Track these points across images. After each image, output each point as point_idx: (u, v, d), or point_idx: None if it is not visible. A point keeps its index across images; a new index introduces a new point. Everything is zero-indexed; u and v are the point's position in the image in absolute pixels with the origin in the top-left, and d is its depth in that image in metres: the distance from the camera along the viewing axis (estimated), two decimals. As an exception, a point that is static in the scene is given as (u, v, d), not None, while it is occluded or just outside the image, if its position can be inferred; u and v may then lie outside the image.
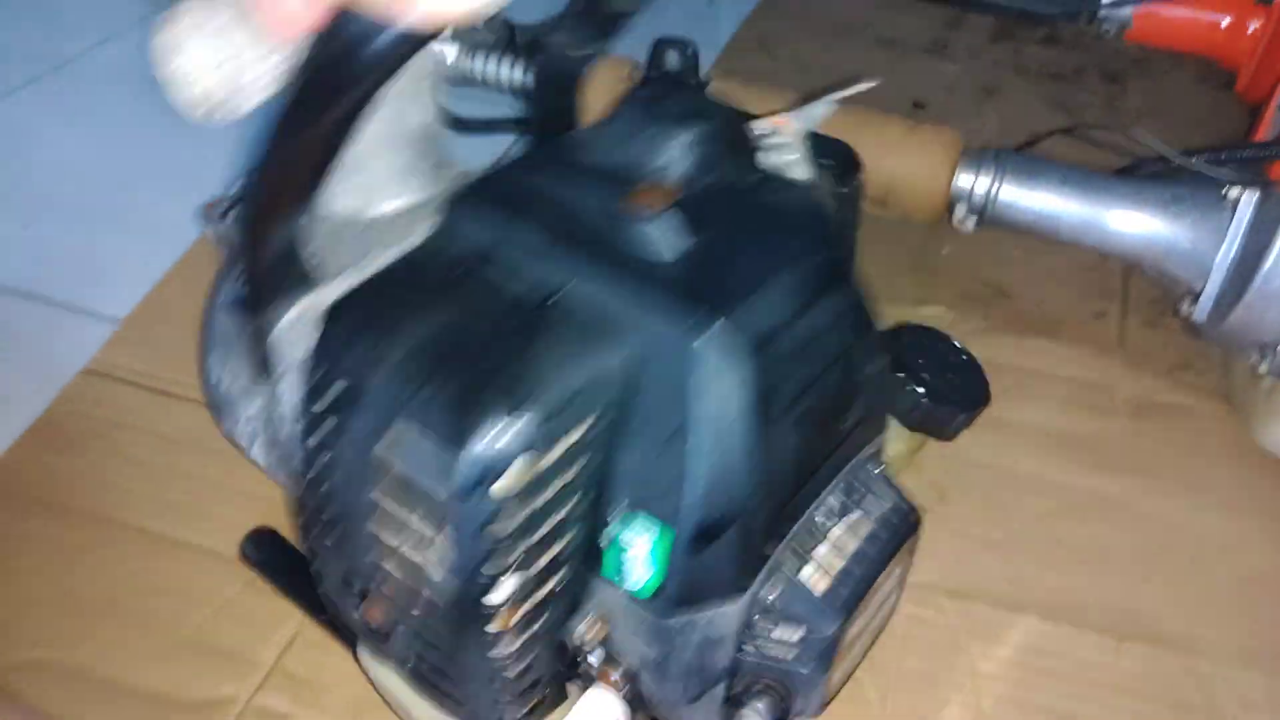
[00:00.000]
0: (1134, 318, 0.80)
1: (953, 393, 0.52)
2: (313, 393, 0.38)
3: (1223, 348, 0.73)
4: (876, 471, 0.47)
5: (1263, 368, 0.63)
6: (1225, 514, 0.65)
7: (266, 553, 0.58)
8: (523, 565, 0.38)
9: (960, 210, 0.71)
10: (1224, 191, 0.63)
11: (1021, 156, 0.70)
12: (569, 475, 0.37)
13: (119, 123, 0.99)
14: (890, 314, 0.75)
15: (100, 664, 0.55)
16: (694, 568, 0.39)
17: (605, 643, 0.42)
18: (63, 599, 0.58)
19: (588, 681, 0.43)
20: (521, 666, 0.40)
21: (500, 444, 0.34)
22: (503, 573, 0.37)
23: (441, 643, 0.40)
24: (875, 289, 0.80)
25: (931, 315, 0.78)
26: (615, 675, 0.42)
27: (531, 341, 0.36)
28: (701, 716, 0.44)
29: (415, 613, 0.39)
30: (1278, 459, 0.67)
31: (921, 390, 0.51)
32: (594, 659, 0.42)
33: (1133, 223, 0.65)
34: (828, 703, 0.46)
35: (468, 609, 0.38)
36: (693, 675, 0.42)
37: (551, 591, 0.40)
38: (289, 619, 0.57)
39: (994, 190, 0.70)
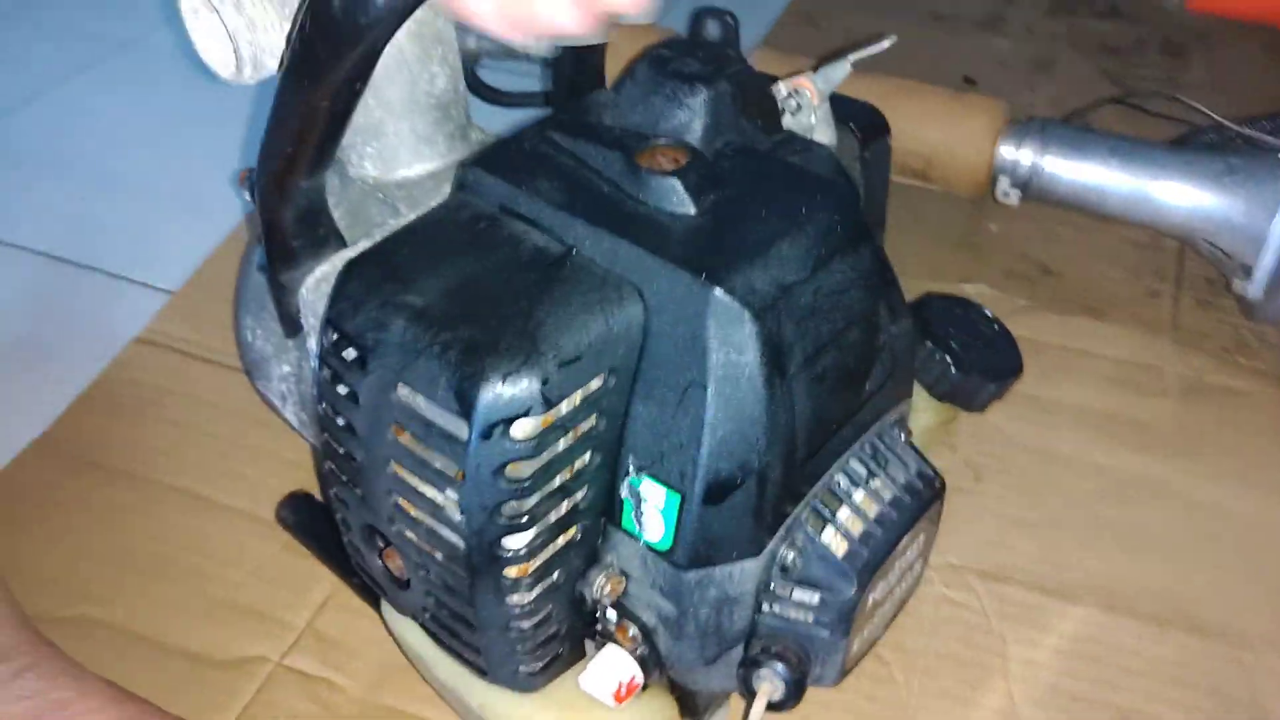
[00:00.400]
0: (1187, 297, 0.77)
1: (982, 363, 0.51)
2: (334, 344, 0.39)
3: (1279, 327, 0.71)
4: (902, 438, 0.46)
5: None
6: (1275, 500, 0.63)
7: (302, 516, 0.59)
8: (540, 511, 0.38)
9: (1004, 182, 0.70)
10: (1280, 162, 0.61)
11: (1068, 127, 0.69)
12: (586, 425, 0.38)
13: (175, 103, 1.01)
14: (931, 289, 0.74)
15: (140, 621, 0.57)
16: (709, 523, 0.39)
17: (623, 599, 0.43)
18: (110, 556, 0.60)
19: (605, 638, 0.43)
20: (538, 618, 0.41)
21: (519, 388, 0.35)
22: (520, 517, 0.37)
23: (460, 588, 0.40)
24: (918, 265, 0.80)
25: (974, 292, 0.77)
26: (631, 632, 0.42)
27: (548, 294, 0.37)
28: (718, 679, 0.44)
29: (436, 557, 0.40)
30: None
31: (949, 359, 0.50)
32: (611, 615, 0.43)
33: (1184, 195, 0.63)
34: (847, 671, 0.45)
35: (486, 554, 0.38)
36: (709, 635, 0.42)
37: (569, 541, 0.40)
38: (322, 582, 0.58)
39: (1039, 162, 0.68)
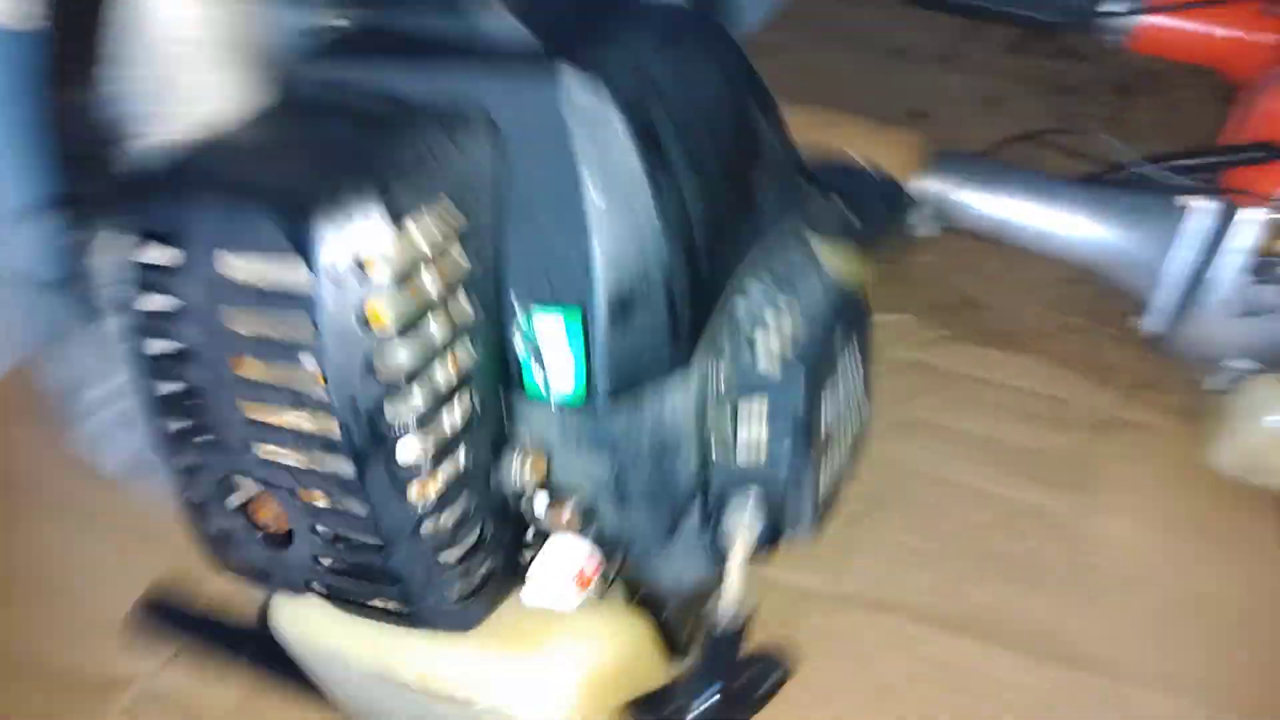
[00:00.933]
0: (1103, 333, 0.77)
1: (869, 204, 0.53)
2: (138, 253, 0.34)
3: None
4: (801, 255, 0.44)
5: (1209, 384, 0.60)
6: (1166, 535, 0.62)
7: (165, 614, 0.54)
8: (421, 368, 0.33)
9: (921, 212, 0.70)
10: (1179, 201, 0.61)
11: (983, 160, 0.69)
12: (453, 263, 0.34)
13: None
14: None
15: (12, 640, 0.57)
16: (621, 346, 0.36)
17: (551, 479, 0.38)
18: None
19: (543, 538, 0.39)
20: (455, 515, 0.36)
21: (357, 210, 0.31)
22: (397, 377, 0.33)
23: (353, 492, 0.35)
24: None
25: (894, 322, 0.77)
26: (567, 513, 0.38)
27: (380, 137, 0.34)
28: (686, 561, 0.40)
29: (316, 470, 0.35)
30: (1229, 481, 0.65)
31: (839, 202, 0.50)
32: (541, 502, 0.38)
33: (1087, 229, 0.64)
34: (822, 513, 0.43)
35: (368, 434, 0.33)
36: (658, 494, 0.38)
37: (468, 416, 0.35)
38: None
39: (954, 192, 0.69)
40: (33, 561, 0.60)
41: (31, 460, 0.64)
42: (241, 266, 0.33)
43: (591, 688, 0.39)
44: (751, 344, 0.39)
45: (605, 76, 0.34)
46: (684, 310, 0.37)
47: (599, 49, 0.35)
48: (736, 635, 0.41)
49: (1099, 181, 0.66)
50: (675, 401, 0.37)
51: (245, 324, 0.33)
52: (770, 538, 0.40)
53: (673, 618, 0.43)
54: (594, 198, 0.35)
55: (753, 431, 0.38)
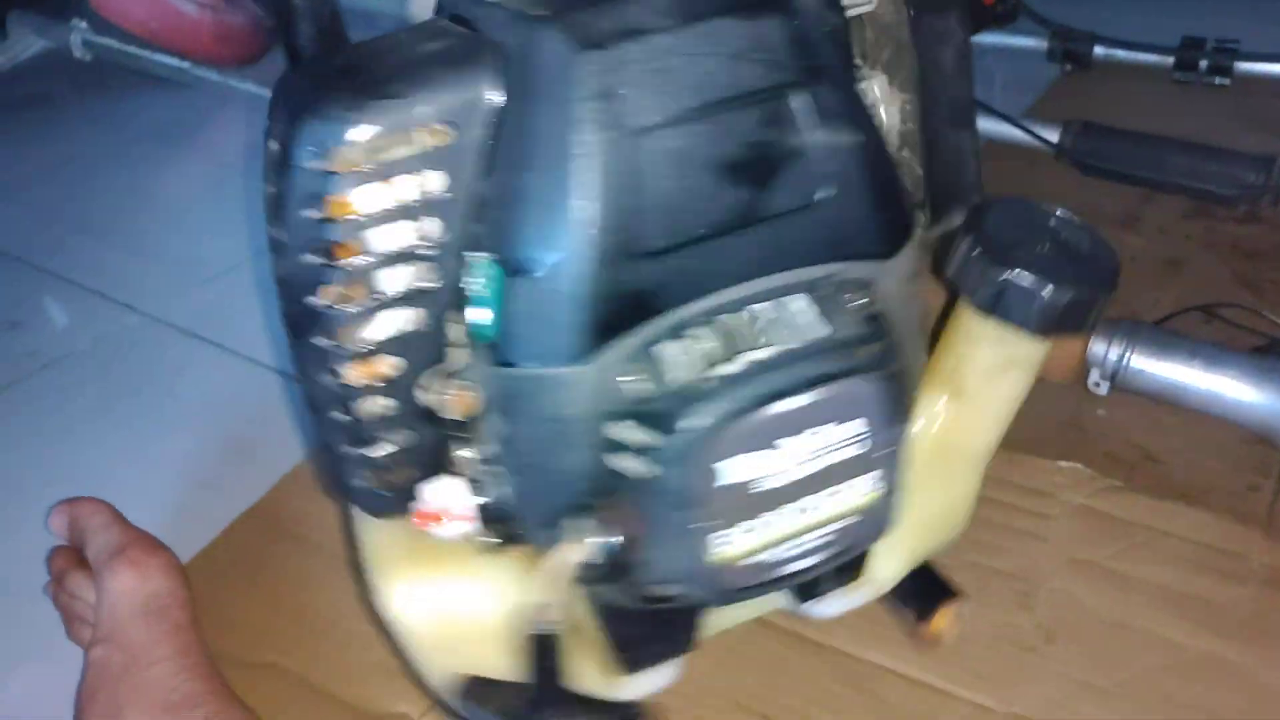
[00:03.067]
0: (1286, 494, 0.80)
1: (1055, 269, 0.43)
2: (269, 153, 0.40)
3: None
4: (843, 301, 0.41)
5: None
6: (1344, 693, 0.65)
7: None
8: (374, 268, 0.38)
9: (1094, 374, 0.77)
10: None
11: (1153, 328, 0.76)
12: (424, 178, 0.37)
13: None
14: (1026, 464, 0.80)
15: (314, 674, 0.70)
16: (526, 303, 0.37)
17: (472, 420, 0.41)
18: (296, 615, 0.74)
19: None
20: (375, 408, 0.40)
21: (340, 106, 0.36)
22: (325, 257, 0.37)
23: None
24: (1019, 437, 0.86)
25: (1068, 469, 0.83)
26: (469, 453, 0.42)
27: (411, 54, 0.38)
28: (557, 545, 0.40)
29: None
30: None
31: (996, 258, 0.43)
32: (459, 441, 0.42)
33: (1254, 396, 0.69)
34: (727, 591, 0.40)
35: (301, 307, 0.39)
36: (544, 471, 0.39)
37: (410, 327, 0.39)
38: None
39: (1126, 359, 0.75)
40: (336, 610, 0.74)
41: (323, 528, 0.78)
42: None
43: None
44: (694, 346, 0.38)
45: (579, 32, 0.35)
46: (608, 298, 0.37)
47: (603, 10, 0.37)
48: (546, 640, 0.42)
49: (1267, 352, 0.71)
50: (576, 374, 0.37)
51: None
52: (610, 556, 0.38)
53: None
54: (529, 146, 0.36)
55: (628, 454, 0.37)
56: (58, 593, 0.67)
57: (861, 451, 0.39)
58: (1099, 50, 1.35)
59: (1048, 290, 0.44)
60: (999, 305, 0.44)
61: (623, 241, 0.36)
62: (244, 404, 0.98)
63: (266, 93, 0.41)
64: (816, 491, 0.39)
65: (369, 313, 0.39)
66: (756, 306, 0.39)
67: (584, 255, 0.36)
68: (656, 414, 0.36)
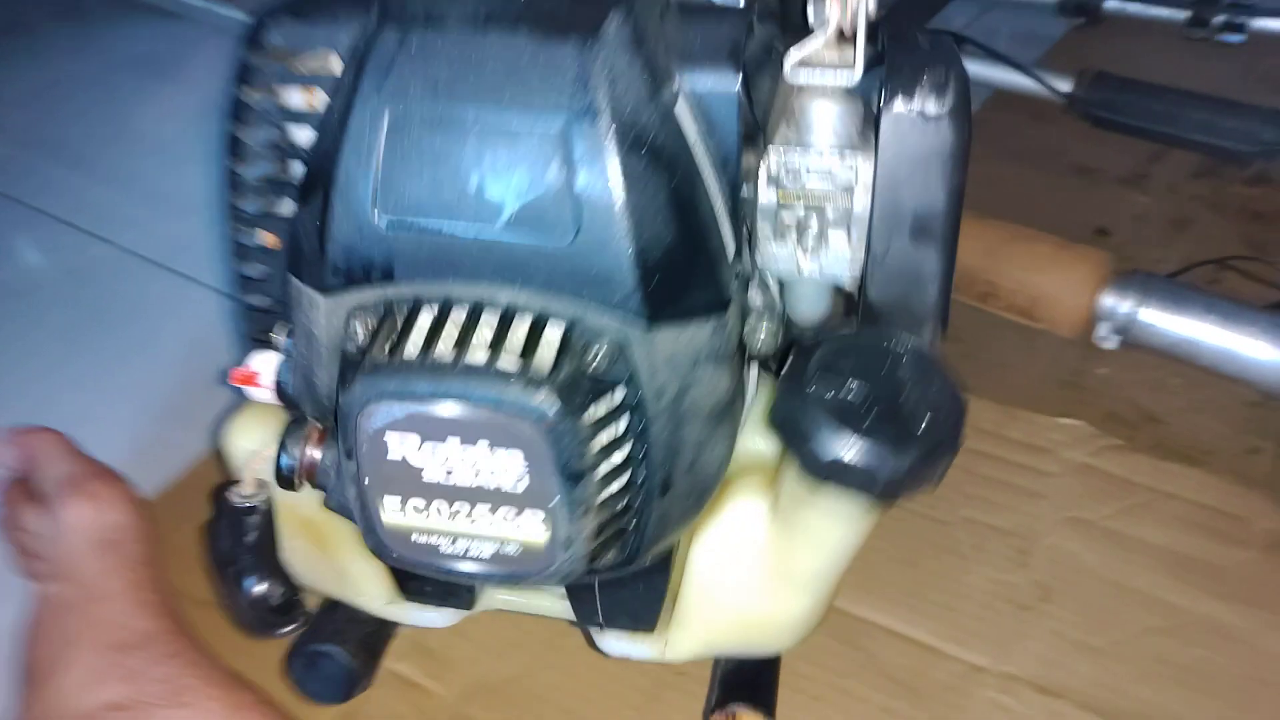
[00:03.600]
0: (1291, 457, 0.78)
1: (895, 432, 0.37)
2: None
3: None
4: (577, 346, 0.40)
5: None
6: (1346, 659, 0.63)
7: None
8: None
9: (1103, 328, 0.74)
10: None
11: (1168, 282, 0.73)
12: (313, 95, 0.44)
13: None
14: (1025, 420, 0.78)
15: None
16: (304, 232, 0.43)
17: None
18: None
19: None
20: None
21: (275, 25, 0.45)
22: None
23: None
24: (1019, 394, 0.84)
25: (1069, 426, 0.80)
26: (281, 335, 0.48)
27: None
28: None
29: None
30: None
31: (825, 420, 0.37)
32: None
33: (1270, 354, 0.66)
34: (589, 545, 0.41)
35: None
36: (308, 371, 0.44)
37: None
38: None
39: (1137, 312, 0.73)
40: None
41: None
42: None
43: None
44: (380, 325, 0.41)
45: (391, 16, 0.40)
46: (334, 241, 0.44)
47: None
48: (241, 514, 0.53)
49: (1285, 309, 0.69)
50: (317, 315, 0.45)
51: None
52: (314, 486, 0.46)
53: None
54: (336, 101, 0.43)
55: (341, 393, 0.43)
56: (8, 526, 0.63)
57: (518, 488, 0.39)
58: (1110, 3, 1.31)
59: (886, 463, 0.38)
60: (830, 472, 0.38)
61: (368, 202, 0.39)
62: (216, 338, 0.94)
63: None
64: (473, 503, 0.40)
65: (265, 187, 0.47)
66: (486, 315, 0.40)
67: (337, 199, 0.39)
68: (351, 366, 0.40)
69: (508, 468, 0.39)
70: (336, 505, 0.46)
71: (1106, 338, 0.74)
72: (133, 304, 1.00)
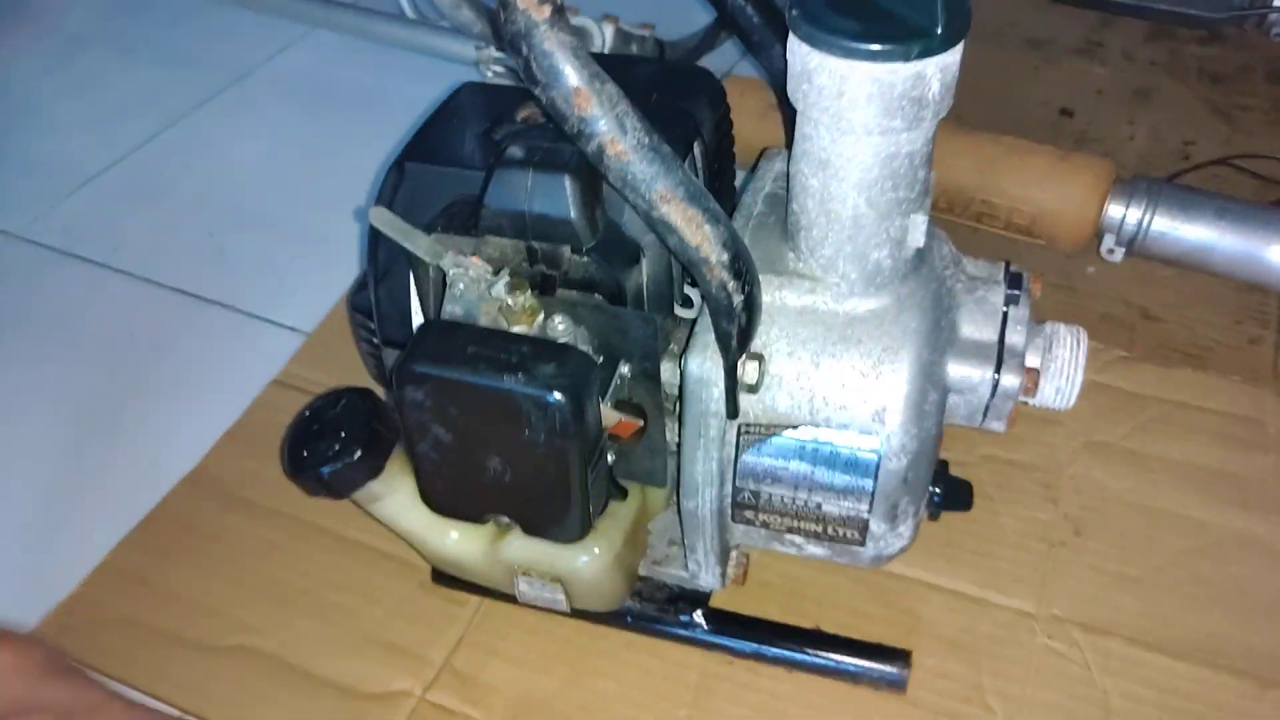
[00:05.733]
0: (1289, 346, 0.78)
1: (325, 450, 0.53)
2: None
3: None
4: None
5: None
6: (1379, 561, 0.64)
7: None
8: None
9: (1109, 240, 0.71)
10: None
11: (1175, 187, 0.70)
12: None
13: (295, 133, 1.07)
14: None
15: (294, 653, 0.62)
16: None
17: None
18: (264, 590, 0.66)
19: None
20: None
21: None
22: None
23: None
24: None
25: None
26: None
27: None
28: None
29: None
30: None
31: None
32: None
33: (1284, 255, 0.64)
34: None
35: None
36: None
37: None
38: (457, 621, 0.63)
39: (1145, 222, 0.70)
40: (309, 582, 0.66)
41: (279, 491, 0.69)
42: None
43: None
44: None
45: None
46: None
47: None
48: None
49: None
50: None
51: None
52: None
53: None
54: None
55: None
56: None
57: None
58: None
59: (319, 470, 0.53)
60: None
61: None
62: (150, 335, 0.85)
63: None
64: None
65: None
66: None
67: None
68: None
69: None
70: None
71: (1113, 250, 0.71)
72: (41, 298, 0.89)
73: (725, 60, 1.09)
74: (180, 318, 0.87)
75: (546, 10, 0.38)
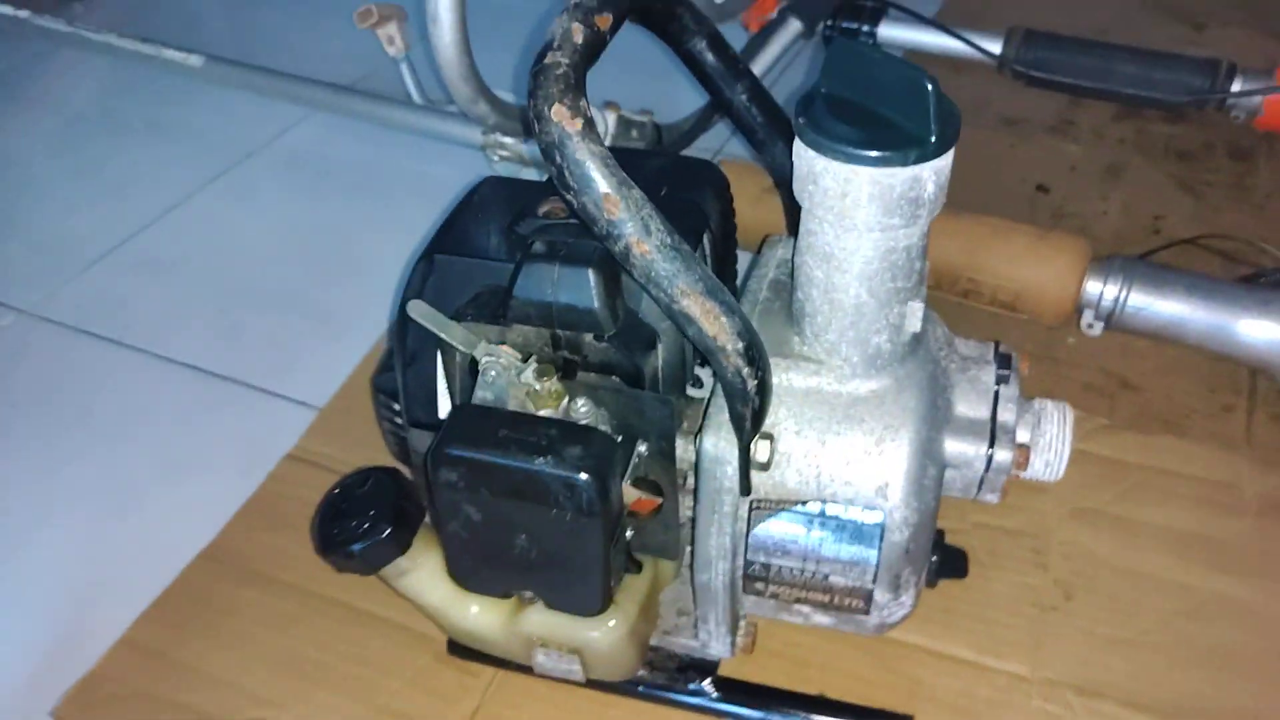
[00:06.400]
0: (1261, 412, 0.82)
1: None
2: None
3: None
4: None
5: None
6: (1354, 621, 0.67)
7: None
8: None
9: (1088, 315, 0.75)
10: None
11: (1148, 265, 0.74)
12: None
13: (301, 211, 1.10)
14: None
15: (314, 726, 0.64)
16: None
17: None
18: (279, 661, 0.67)
19: None
20: None
21: None
22: None
23: None
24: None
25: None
26: None
27: None
28: None
29: None
30: None
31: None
32: None
33: (1259, 330, 0.68)
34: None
35: None
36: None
37: None
38: (472, 692, 0.65)
39: (1121, 298, 0.74)
40: (324, 654, 0.68)
41: (317, 564, 0.70)
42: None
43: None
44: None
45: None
46: None
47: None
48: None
49: (1262, 284, 0.71)
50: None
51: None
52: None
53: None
54: None
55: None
56: None
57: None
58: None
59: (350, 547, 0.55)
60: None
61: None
62: (164, 412, 0.87)
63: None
64: None
65: None
66: None
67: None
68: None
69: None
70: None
71: (1092, 324, 0.75)
72: (59, 378, 0.91)
73: (717, 139, 1.14)
74: (192, 393, 0.89)
75: (579, 124, 0.42)
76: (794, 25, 1.09)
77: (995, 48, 1.07)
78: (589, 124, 0.42)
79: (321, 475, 0.78)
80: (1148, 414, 0.83)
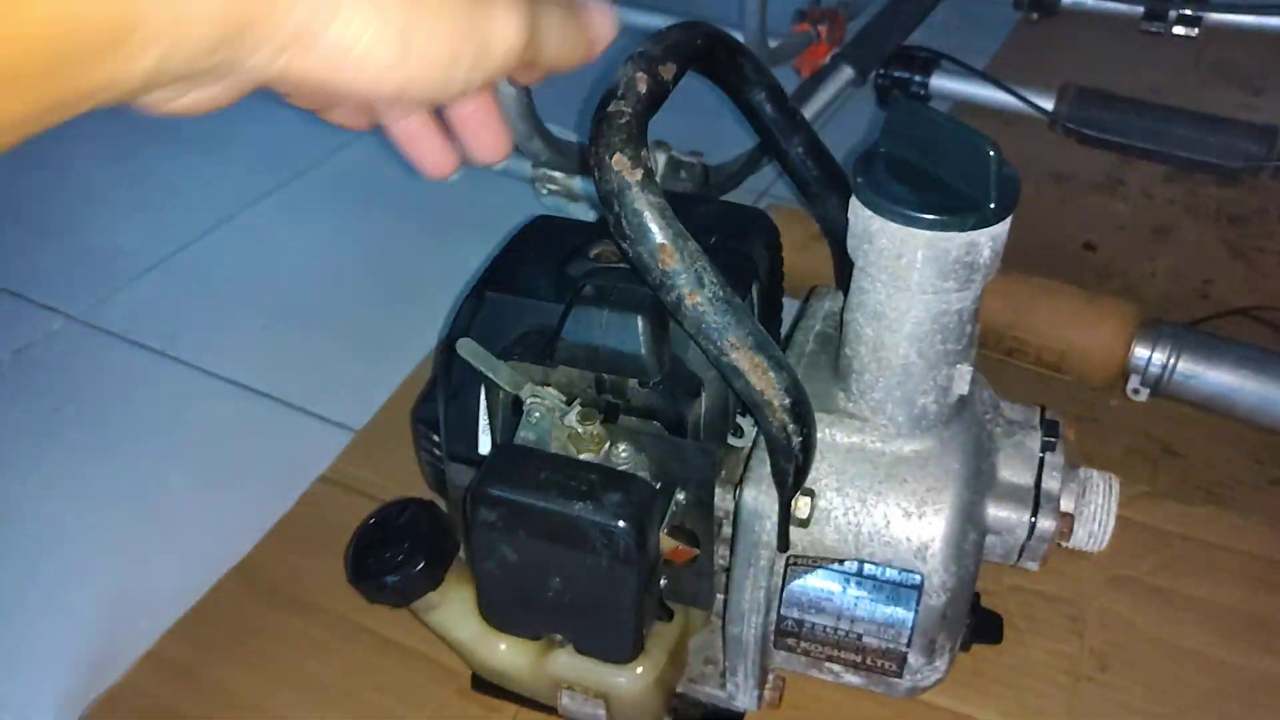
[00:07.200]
0: (1310, 490, 0.80)
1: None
2: None
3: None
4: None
5: None
6: (1401, 712, 0.65)
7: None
8: None
9: (1134, 381, 0.74)
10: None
11: (1199, 333, 0.73)
12: None
13: (349, 231, 1.11)
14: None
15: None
16: None
17: None
18: (304, 685, 0.67)
19: None
20: None
21: None
22: None
23: None
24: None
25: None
26: None
27: None
28: None
29: None
30: None
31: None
32: None
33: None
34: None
35: None
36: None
37: None
38: (495, 728, 0.64)
39: (1169, 366, 0.73)
40: (350, 682, 0.67)
41: (347, 590, 0.71)
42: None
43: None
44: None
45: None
46: None
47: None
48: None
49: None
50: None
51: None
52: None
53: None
54: None
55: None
56: None
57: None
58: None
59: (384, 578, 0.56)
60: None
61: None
62: (203, 425, 0.88)
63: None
64: None
65: None
66: None
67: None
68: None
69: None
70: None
71: (1138, 390, 0.74)
72: (103, 386, 0.92)
73: (763, 180, 1.14)
74: (232, 408, 0.90)
75: (639, 174, 0.42)
76: (846, 72, 1.09)
77: (1047, 104, 1.06)
78: (649, 174, 0.42)
79: (354, 499, 0.78)
80: (1190, 483, 0.81)
